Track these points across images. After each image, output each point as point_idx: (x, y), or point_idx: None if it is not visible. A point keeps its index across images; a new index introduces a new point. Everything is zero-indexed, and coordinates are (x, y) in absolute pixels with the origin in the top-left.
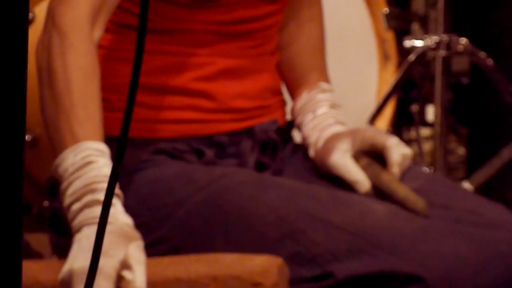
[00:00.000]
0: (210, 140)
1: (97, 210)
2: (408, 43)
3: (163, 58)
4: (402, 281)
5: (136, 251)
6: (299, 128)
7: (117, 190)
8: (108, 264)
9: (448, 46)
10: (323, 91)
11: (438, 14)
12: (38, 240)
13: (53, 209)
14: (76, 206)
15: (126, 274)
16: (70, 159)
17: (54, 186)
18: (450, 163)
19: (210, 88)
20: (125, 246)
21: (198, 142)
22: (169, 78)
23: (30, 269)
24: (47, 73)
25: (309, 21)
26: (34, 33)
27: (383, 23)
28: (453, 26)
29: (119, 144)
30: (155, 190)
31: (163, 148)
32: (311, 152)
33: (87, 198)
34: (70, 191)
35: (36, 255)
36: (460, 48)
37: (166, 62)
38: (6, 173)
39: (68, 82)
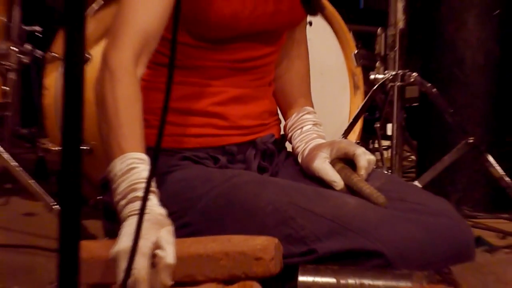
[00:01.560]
0: (223, 149)
1: (138, 204)
2: (372, 76)
3: (187, 88)
4: (368, 256)
5: (167, 234)
6: (290, 140)
7: (154, 188)
8: (144, 244)
9: (402, 78)
10: (308, 112)
11: (395, 55)
12: (94, 225)
13: (105, 202)
14: (122, 202)
15: (159, 252)
16: (118, 166)
17: (105, 184)
18: (404, 167)
19: (223, 111)
20: (158, 231)
21: (214, 151)
22: (192, 103)
23: (87, 247)
24: (101, 102)
25: (297, 58)
26: (92, 69)
27: (353, 62)
28: (406, 63)
29: (154, 153)
30: (182, 188)
31: (187, 156)
32: (299, 159)
33: (130, 196)
34: (118, 190)
35: (92, 237)
36: (411, 80)
37: (190, 91)
38: (68, 174)
39: (116, 108)
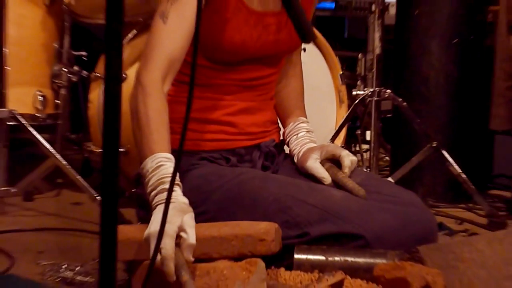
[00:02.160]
0: (233, 152)
1: (165, 195)
2: (354, 92)
3: (204, 101)
4: (351, 238)
5: (189, 219)
6: (287, 144)
7: (178, 182)
8: (170, 228)
9: (379, 94)
10: (302, 122)
11: (373, 75)
12: (129, 213)
13: (138, 193)
14: (153, 193)
15: (182, 234)
16: (149, 164)
17: (138, 179)
18: (380, 166)
19: (234, 120)
20: (182, 217)
21: (226, 153)
22: (208, 114)
23: (123, 230)
24: (135, 112)
25: (294, 77)
26: (127, 86)
27: (339, 81)
28: (382, 82)
29: (177, 154)
30: (200, 182)
31: (204, 157)
32: (295, 160)
33: (159, 187)
34: (149, 184)
35: (127, 223)
36: (386, 95)
37: (206, 104)
38: (108, 171)
39: (147, 117)
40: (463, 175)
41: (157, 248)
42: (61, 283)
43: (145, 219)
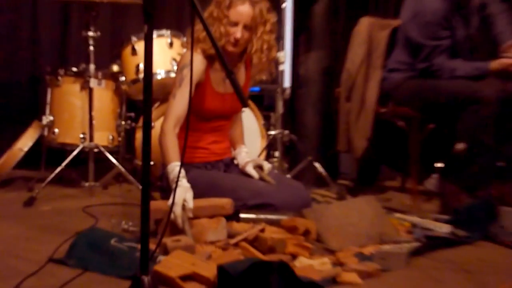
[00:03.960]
0: (209, 163)
1: (178, 185)
2: (269, 132)
3: (194, 138)
4: (268, 206)
5: (189, 195)
6: (236, 159)
7: (184, 176)
8: (179, 200)
9: (282, 133)
10: (243, 147)
11: (279, 122)
12: (156, 195)
13: (162, 185)
14: (171, 182)
15: (185, 203)
16: (170, 167)
17: (161, 177)
18: (283, 168)
19: (209, 147)
20: (185, 194)
21: (206, 164)
22: (196, 144)
23: (154, 203)
24: (161, 143)
25: (237, 123)
26: (155, 131)
27: (262, 126)
28: (284, 126)
29: (181, 163)
30: (192, 177)
31: (195, 166)
32: (240, 167)
33: (174, 180)
34: (170, 178)
35: (155, 200)
36: (285, 133)
37: (195, 139)
38: (145, 174)
39: (166, 145)
40: (324, 173)
41: (171, 210)
42: (122, 231)
43: (165, 198)
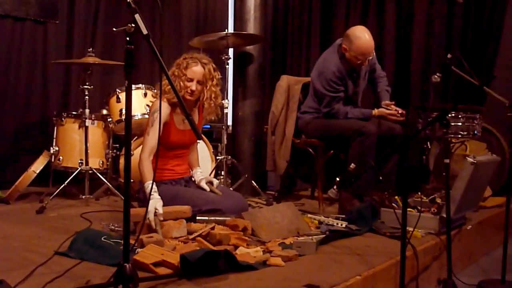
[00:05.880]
0: (174, 180)
1: (151, 197)
2: (218, 157)
3: (162, 162)
4: (217, 210)
5: (159, 204)
6: (193, 177)
7: (156, 190)
8: (151, 208)
9: (227, 158)
10: (198, 168)
11: (223, 150)
12: (135, 205)
13: (139, 197)
14: (146, 195)
15: (157, 210)
16: (145, 185)
17: (139, 190)
18: (227, 183)
19: (173, 168)
20: (156, 203)
21: (171, 181)
22: (164, 166)
23: (133, 210)
24: (139, 168)
25: (193, 151)
26: (134, 158)
27: (211, 152)
28: (228, 151)
29: (153, 181)
30: (162, 191)
31: (163, 182)
32: (196, 183)
33: (148, 193)
34: (146, 192)
35: (134, 207)
36: (229, 158)
37: (163, 163)
38: (126, 188)
39: (143, 169)
40: (257, 186)
41: (145, 216)
42: (110, 231)
43: (142, 206)
